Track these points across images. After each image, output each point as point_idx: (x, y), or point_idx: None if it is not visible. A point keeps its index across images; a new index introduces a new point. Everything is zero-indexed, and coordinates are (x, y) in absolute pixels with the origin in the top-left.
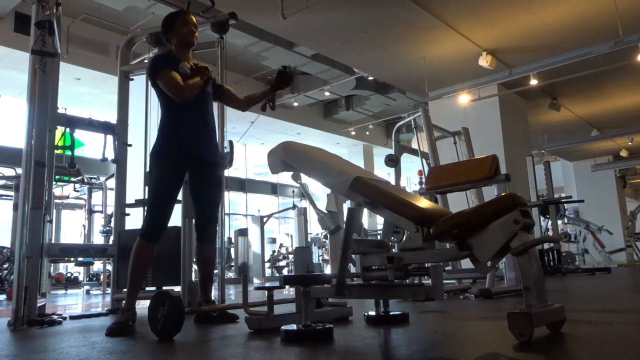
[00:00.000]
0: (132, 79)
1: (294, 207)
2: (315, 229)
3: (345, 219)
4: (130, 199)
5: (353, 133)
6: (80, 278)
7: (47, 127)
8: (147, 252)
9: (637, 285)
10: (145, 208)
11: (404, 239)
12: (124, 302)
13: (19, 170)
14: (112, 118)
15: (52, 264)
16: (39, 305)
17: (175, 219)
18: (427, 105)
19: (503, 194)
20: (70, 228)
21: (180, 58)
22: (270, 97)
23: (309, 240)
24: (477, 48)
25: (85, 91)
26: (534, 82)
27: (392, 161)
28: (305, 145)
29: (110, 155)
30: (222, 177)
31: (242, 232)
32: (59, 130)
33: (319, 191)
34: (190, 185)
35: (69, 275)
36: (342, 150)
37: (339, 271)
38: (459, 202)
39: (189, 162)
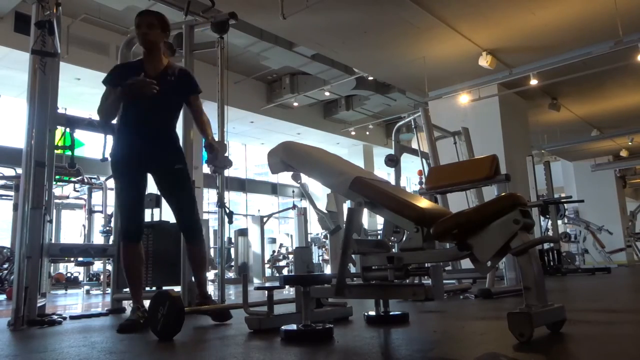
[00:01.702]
0: None
1: (294, 207)
2: (315, 229)
3: (345, 219)
4: None
5: (353, 133)
6: (80, 278)
7: (47, 127)
8: (133, 252)
9: (637, 285)
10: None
11: (404, 239)
12: (130, 302)
13: (19, 170)
14: None
15: (52, 264)
16: (39, 305)
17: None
18: (427, 105)
19: (503, 194)
20: (70, 228)
21: (146, 62)
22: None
23: (309, 240)
24: (477, 48)
25: (85, 91)
26: (534, 82)
27: (392, 161)
28: (305, 145)
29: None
30: (189, 177)
31: (242, 232)
32: (59, 130)
33: (319, 191)
34: (158, 189)
35: (69, 275)
36: (342, 150)
37: (339, 271)
38: (459, 202)
39: (145, 168)
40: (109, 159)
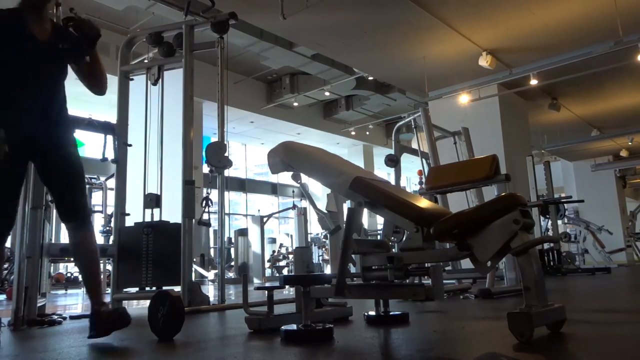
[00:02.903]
0: (132, 79)
1: (294, 207)
2: (315, 229)
3: (345, 219)
4: (130, 198)
5: (353, 133)
6: (80, 278)
7: None
8: None
9: (637, 285)
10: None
11: (404, 239)
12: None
13: None
14: (112, 118)
15: (52, 264)
16: (39, 305)
17: (176, 216)
18: (427, 105)
19: (503, 194)
20: None
21: (32, 21)
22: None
23: (309, 240)
24: (477, 48)
25: (85, 91)
26: (534, 82)
27: (392, 161)
28: (305, 145)
29: (110, 155)
30: (72, 155)
31: (242, 232)
32: None
33: (319, 191)
34: (39, 174)
35: (69, 275)
36: (342, 150)
37: (339, 271)
38: (459, 202)
39: (24, 153)
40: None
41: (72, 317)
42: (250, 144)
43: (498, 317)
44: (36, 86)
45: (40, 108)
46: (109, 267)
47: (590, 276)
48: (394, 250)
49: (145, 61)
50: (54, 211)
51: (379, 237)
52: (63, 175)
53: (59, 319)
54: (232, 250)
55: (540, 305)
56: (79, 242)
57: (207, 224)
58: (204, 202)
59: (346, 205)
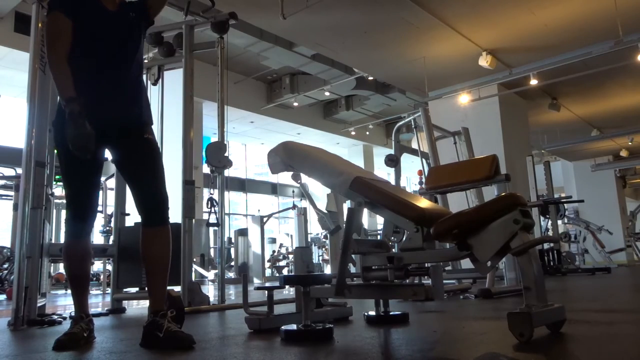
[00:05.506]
0: None
1: (294, 207)
2: (315, 229)
3: (345, 219)
4: (130, 198)
5: (353, 133)
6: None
7: (47, 127)
8: (72, 249)
9: (637, 285)
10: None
11: (404, 239)
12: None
13: (19, 170)
14: None
15: (52, 264)
16: (39, 305)
17: (176, 216)
18: (427, 105)
19: (503, 194)
20: None
21: None
22: None
23: (309, 240)
24: (477, 48)
25: None
26: (534, 82)
27: (392, 161)
28: (306, 145)
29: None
30: (151, 142)
31: (242, 232)
32: None
33: (319, 191)
34: (115, 164)
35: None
36: (342, 150)
37: (339, 271)
38: (459, 202)
39: (101, 138)
40: (52, 128)
41: (72, 317)
42: (250, 144)
43: (498, 317)
44: (115, 63)
45: (119, 88)
46: (109, 267)
47: (590, 276)
48: (394, 250)
49: (145, 61)
50: (54, 211)
51: (379, 237)
52: (143, 162)
53: (59, 319)
54: (232, 250)
55: (540, 305)
56: (149, 238)
57: (216, 224)
58: (209, 202)
59: (346, 205)
